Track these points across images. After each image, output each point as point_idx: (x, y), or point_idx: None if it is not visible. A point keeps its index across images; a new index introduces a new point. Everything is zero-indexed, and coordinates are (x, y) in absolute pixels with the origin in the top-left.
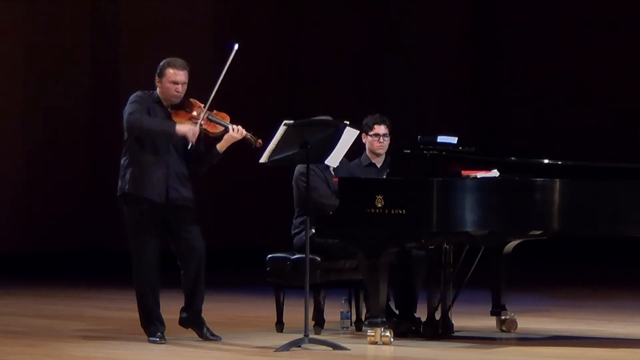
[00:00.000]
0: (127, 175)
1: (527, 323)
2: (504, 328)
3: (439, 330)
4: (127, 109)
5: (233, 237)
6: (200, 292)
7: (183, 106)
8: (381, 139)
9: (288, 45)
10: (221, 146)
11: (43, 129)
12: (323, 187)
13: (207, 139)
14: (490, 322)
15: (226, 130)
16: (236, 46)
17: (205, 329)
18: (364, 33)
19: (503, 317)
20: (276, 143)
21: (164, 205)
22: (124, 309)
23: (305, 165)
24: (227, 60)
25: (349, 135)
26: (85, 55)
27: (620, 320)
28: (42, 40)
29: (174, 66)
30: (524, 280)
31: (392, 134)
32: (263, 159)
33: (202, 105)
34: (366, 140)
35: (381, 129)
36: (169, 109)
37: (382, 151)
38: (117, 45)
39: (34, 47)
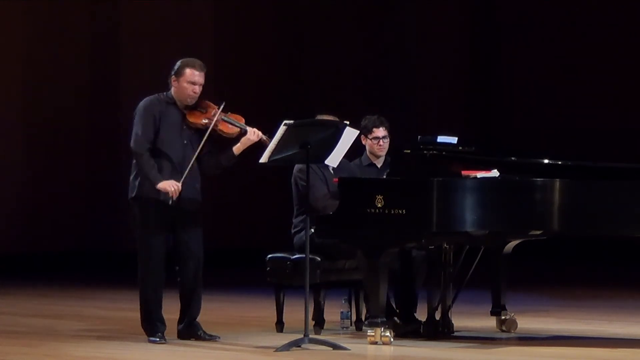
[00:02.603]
0: (140, 178)
1: (527, 323)
2: (504, 328)
3: (439, 330)
4: (135, 127)
5: (233, 237)
6: (196, 300)
7: (198, 107)
8: (381, 142)
9: (288, 45)
10: (237, 148)
11: (43, 129)
12: (319, 187)
13: (221, 140)
14: (490, 322)
15: (242, 132)
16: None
17: (201, 332)
18: (364, 33)
19: (503, 317)
20: (276, 143)
21: (174, 206)
22: (124, 309)
23: (303, 163)
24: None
25: (349, 135)
26: (85, 55)
27: (620, 320)
28: (41, 40)
29: (192, 66)
30: (524, 280)
31: (392, 134)
32: (263, 159)
33: (217, 107)
34: (366, 142)
35: (380, 131)
36: (184, 110)
37: (383, 153)
38: (117, 45)
39: (34, 47)
